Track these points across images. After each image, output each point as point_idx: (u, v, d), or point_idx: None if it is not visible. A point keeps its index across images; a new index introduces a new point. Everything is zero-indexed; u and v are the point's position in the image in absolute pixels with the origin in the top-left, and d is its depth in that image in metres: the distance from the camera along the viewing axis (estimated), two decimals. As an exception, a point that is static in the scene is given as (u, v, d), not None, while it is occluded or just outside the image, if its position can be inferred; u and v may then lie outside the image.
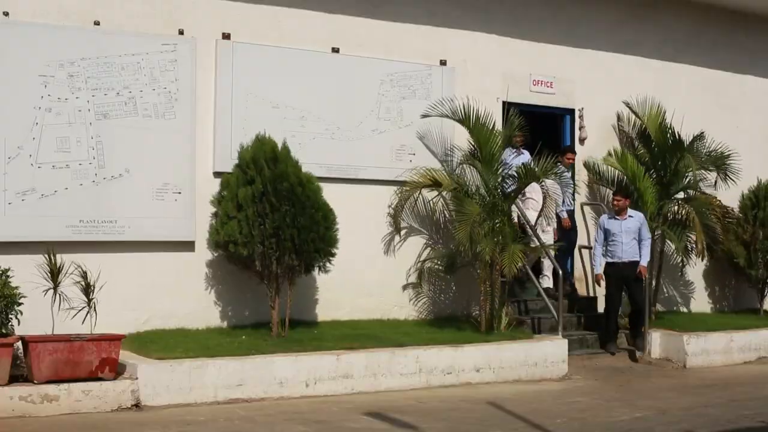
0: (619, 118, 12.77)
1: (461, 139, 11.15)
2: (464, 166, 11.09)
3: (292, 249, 9.13)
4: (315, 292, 10.36)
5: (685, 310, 13.30)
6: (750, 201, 13.11)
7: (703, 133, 12.17)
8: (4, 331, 7.80)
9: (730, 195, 12.95)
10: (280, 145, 9.46)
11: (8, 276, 8.01)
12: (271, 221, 9.05)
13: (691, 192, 12.44)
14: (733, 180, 12.52)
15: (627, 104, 12.56)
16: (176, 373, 8.07)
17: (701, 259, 12.46)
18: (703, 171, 12.52)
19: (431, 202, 11.21)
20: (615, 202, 11.24)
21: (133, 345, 8.64)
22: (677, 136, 12.00)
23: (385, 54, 10.98)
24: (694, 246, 12.18)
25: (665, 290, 13.11)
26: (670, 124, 12.17)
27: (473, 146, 10.94)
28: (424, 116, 10.87)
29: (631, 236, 11.09)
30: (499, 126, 11.05)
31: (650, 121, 12.33)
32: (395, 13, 11.10)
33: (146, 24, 9.56)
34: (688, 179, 12.30)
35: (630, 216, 11.16)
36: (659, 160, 12.20)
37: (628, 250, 11.07)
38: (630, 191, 11.63)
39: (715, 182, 12.66)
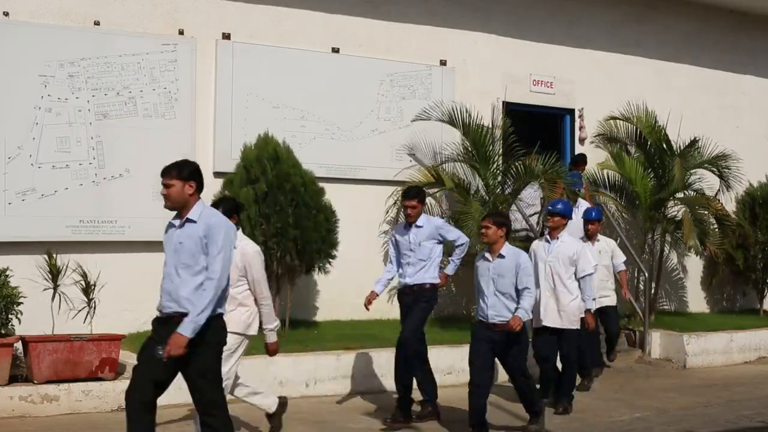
0: (617, 119, 12.75)
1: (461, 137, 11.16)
2: (464, 165, 11.09)
3: (294, 249, 9.14)
4: (315, 293, 10.36)
5: (685, 310, 13.30)
6: (748, 202, 13.11)
7: (696, 138, 12.13)
8: (3, 331, 7.80)
9: (731, 196, 12.95)
10: (282, 146, 9.49)
11: (8, 276, 8.01)
12: (275, 221, 9.08)
13: (689, 192, 12.41)
14: (729, 183, 12.46)
15: (625, 105, 12.55)
16: (176, 373, 8.06)
17: (694, 253, 12.41)
18: (700, 171, 12.46)
19: (429, 202, 11.19)
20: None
21: (133, 345, 8.62)
22: (666, 143, 11.99)
23: (385, 54, 10.98)
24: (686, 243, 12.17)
25: (665, 291, 13.11)
26: (665, 125, 12.15)
27: (469, 149, 10.92)
28: (416, 119, 10.85)
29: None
30: (497, 131, 11.05)
31: (645, 123, 12.30)
32: (395, 13, 11.10)
33: (146, 24, 9.57)
34: (687, 180, 12.27)
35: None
36: (655, 161, 12.19)
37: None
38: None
39: (718, 192, 12.58)
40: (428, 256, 7.62)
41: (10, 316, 7.85)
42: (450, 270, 8.08)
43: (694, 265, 13.30)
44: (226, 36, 10.01)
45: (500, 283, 7.05)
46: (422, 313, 7.62)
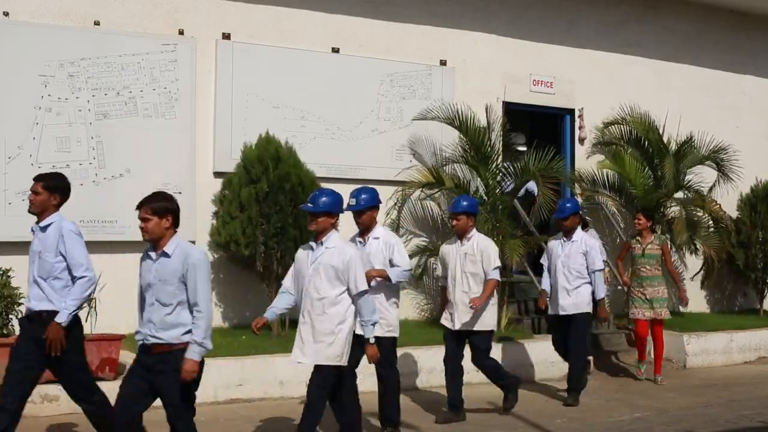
0: (615, 119, 12.74)
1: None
2: (463, 165, 11.10)
3: (294, 249, 9.13)
4: (315, 292, 10.34)
5: (684, 310, 13.29)
6: (748, 202, 13.11)
7: (691, 136, 12.11)
8: (4, 331, 7.80)
9: (731, 197, 12.94)
10: (284, 146, 9.51)
11: (9, 276, 8.01)
12: (275, 221, 9.09)
13: (688, 193, 12.38)
14: (732, 178, 12.42)
15: (625, 104, 12.54)
16: (176, 373, 8.05)
17: (688, 252, 12.35)
18: (698, 169, 12.43)
19: (430, 202, 11.21)
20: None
21: (134, 345, 8.60)
22: (663, 144, 11.99)
23: (385, 54, 10.99)
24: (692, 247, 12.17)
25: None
26: (664, 126, 12.13)
27: (468, 149, 10.94)
28: (416, 119, 10.86)
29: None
30: (496, 126, 11.06)
31: (640, 124, 12.29)
32: (395, 13, 11.11)
33: (146, 24, 9.58)
34: (687, 181, 12.25)
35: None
36: (653, 161, 12.19)
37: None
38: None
39: (711, 188, 12.56)
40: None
41: (10, 316, 7.85)
42: None
43: (694, 265, 13.28)
44: (226, 36, 10.01)
45: (162, 291, 5.26)
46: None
